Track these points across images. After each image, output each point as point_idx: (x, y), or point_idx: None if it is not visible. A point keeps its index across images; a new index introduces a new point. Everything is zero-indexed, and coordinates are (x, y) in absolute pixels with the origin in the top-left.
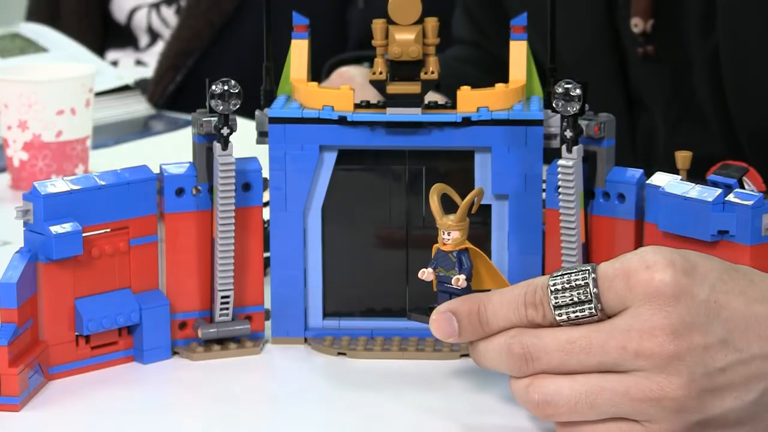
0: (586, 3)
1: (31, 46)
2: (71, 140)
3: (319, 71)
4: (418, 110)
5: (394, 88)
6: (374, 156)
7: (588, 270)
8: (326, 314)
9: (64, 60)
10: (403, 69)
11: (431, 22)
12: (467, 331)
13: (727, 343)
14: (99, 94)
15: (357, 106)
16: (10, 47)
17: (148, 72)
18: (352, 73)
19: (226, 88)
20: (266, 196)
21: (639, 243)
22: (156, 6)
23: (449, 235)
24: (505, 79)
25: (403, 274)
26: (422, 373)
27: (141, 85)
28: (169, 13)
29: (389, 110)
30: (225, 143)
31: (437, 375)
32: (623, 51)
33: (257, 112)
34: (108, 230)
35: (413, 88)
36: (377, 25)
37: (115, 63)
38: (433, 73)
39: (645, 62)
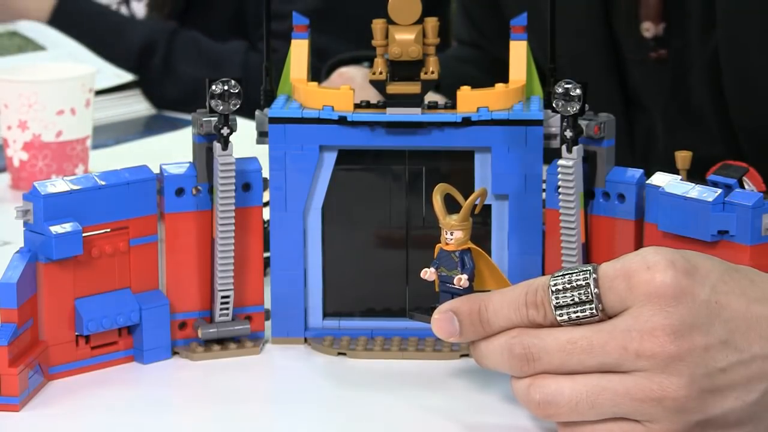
0: (580, 4)
1: (29, 45)
2: (71, 140)
3: (319, 71)
4: (418, 110)
5: (394, 88)
6: (374, 156)
7: (589, 270)
8: (326, 314)
9: (62, 58)
10: (403, 69)
11: (431, 22)
12: (468, 331)
13: (727, 343)
14: (99, 93)
15: (357, 106)
16: (7, 45)
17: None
18: (352, 73)
19: (226, 88)
20: (266, 196)
21: (639, 243)
22: (125, 1)
23: (452, 234)
24: (505, 79)
25: (403, 274)
26: (422, 373)
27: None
28: (140, 6)
29: (389, 110)
30: (225, 143)
31: (437, 375)
32: (619, 52)
33: (257, 112)
34: (108, 230)
35: (413, 88)
36: (377, 25)
37: None
38: (433, 73)
39: (642, 63)
